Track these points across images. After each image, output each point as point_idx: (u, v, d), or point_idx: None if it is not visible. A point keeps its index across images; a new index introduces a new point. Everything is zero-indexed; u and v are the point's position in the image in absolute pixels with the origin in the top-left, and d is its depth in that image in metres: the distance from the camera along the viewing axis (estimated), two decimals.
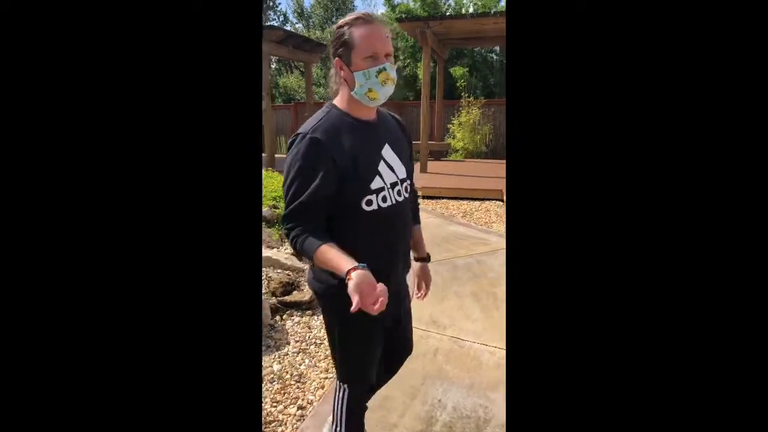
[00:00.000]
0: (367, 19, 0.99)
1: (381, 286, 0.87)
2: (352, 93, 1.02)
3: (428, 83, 6.93)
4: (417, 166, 7.18)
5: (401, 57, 12.02)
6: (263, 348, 2.16)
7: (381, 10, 13.82)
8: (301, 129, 1.03)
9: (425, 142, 7.10)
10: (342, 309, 1.12)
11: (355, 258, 1.00)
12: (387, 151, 1.10)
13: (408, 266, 1.27)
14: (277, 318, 2.44)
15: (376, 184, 1.06)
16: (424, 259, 1.36)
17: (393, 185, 1.10)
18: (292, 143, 1.03)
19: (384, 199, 1.08)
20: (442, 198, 5.70)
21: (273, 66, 16.55)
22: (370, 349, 1.20)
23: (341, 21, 1.02)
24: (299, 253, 1.01)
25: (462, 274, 3.12)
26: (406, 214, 1.18)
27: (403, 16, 9.52)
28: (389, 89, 1.03)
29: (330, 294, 1.12)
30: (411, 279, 1.33)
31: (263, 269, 3.01)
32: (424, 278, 1.36)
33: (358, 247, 1.06)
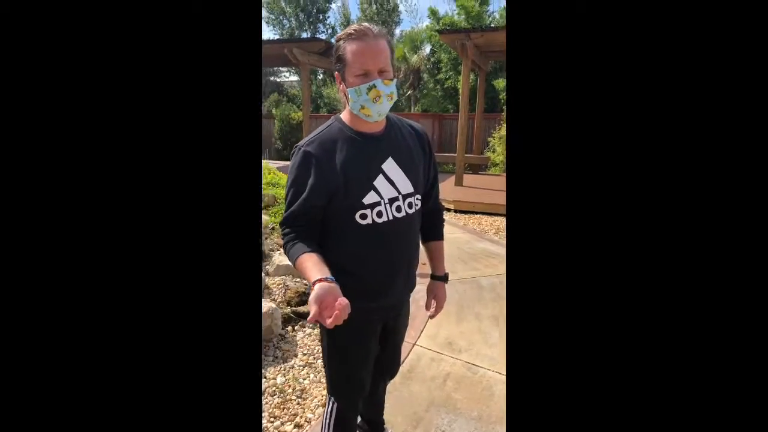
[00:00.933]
0: (359, 35, 0.96)
1: (342, 301, 0.82)
2: (350, 108, 1.02)
3: (467, 96, 6.82)
4: (451, 180, 7.06)
5: (443, 69, 11.97)
6: (270, 359, 2.13)
7: (426, 22, 13.89)
8: (301, 141, 1.05)
9: (462, 155, 6.96)
10: (327, 332, 1.12)
11: (349, 271, 1.02)
12: (389, 165, 1.06)
13: (412, 285, 1.22)
14: (289, 328, 2.41)
15: (369, 199, 1.04)
16: (440, 278, 1.30)
17: (392, 200, 1.06)
18: (292, 154, 1.05)
19: (379, 214, 1.05)
20: (476, 213, 5.54)
21: (319, 77, 17.00)
22: (357, 364, 1.18)
23: (337, 36, 1.01)
24: (289, 257, 1.02)
25: (486, 295, 2.97)
26: (408, 231, 1.12)
27: (445, 28, 9.46)
28: (383, 106, 0.99)
29: None
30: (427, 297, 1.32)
31: (281, 277, 3.02)
32: (436, 297, 1.30)
33: (352, 260, 1.07)
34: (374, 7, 17.83)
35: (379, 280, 1.10)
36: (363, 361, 1.19)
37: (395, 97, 1.02)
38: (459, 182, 6.88)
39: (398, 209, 1.08)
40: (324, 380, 1.97)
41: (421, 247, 1.26)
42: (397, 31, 18.31)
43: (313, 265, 0.93)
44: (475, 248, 4.07)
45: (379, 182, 1.05)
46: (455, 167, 7.15)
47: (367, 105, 0.98)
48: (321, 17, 19.21)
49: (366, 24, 0.99)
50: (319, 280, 0.86)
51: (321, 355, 2.18)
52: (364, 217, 1.04)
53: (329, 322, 0.80)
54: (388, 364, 1.33)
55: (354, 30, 0.97)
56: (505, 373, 2.05)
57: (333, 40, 1.03)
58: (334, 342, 1.16)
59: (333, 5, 19.56)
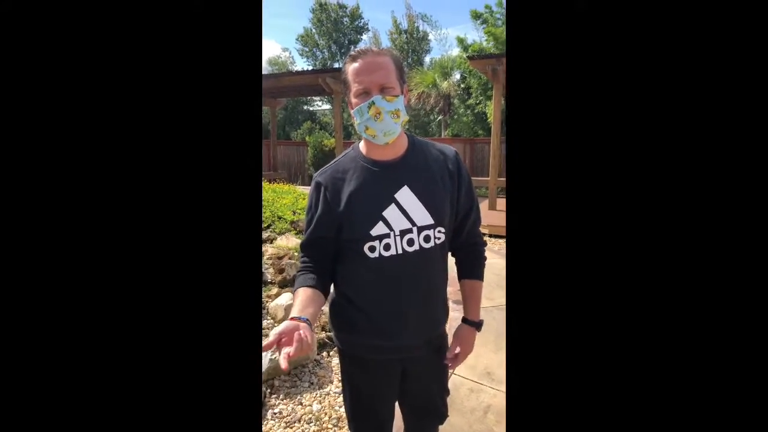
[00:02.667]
0: (356, 55, 0.93)
1: (303, 335, 0.77)
2: (358, 132, 0.98)
3: (499, 120, 6.80)
4: (485, 203, 6.97)
5: (473, 95, 12.04)
6: (306, 384, 2.11)
7: (455, 50, 14.12)
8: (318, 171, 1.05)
9: (494, 179, 6.89)
10: (342, 345, 1.11)
11: (356, 305, 1.02)
12: (403, 194, 0.97)
13: (433, 327, 1.09)
14: (324, 354, 2.39)
15: (378, 230, 0.96)
16: (471, 323, 1.12)
17: (404, 232, 0.97)
18: None
19: (387, 248, 0.97)
20: None
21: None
22: (372, 403, 1.12)
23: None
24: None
25: None
26: (423, 267, 1.01)
27: (475, 54, 9.57)
28: (385, 124, 0.92)
29: (333, 328, 1.12)
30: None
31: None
32: (461, 344, 1.12)
33: (359, 294, 1.03)
34: (404, 36, 18.31)
35: (387, 318, 1.01)
36: (378, 400, 1.11)
37: (402, 115, 0.94)
38: (492, 206, 6.79)
39: (410, 242, 0.97)
40: None
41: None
42: (427, 59, 18.65)
43: (299, 303, 0.92)
44: None
45: (390, 212, 0.96)
46: (488, 191, 7.07)
47: (370, 124, 0.92)
48: (353, 48, 19.88)
49: (366, 46, 0.96)
50: (291, 319, 0.82)
51: None
52: (372, 249, 0.97)
53: (284, 351, 0.74)
54: (422, 407, 1.19)
55: (355, 51, 0.94)
56: None
57: None
58: (346, 378, 1.14)
59: (364, 36, 20.20)
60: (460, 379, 2.17)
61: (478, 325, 1.13)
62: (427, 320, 1.06)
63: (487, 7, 12.50)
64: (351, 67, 0.93)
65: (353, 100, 0.94)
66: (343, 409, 1.93)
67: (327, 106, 19.44)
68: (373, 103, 0.90)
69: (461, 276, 1.14)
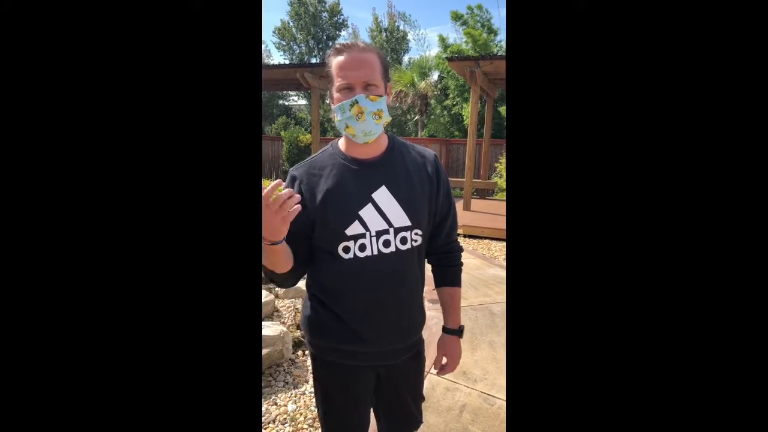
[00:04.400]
0: (342, 48, 0.89)
1: (286, 192, 0.78)
2: (337, 128, 0.94)
3: (476, 122, 6.88)
4: (459, 204, 7.06)
5: (450, 96, 12.15)
6: (281, 384, 2.07)
7: (434, 50, 14.19)
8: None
9: (470, 180, 6.98)
10: (314, 349, 1.05)
11: (328, 307, 0.98)
12: (381, 194, 0.94)
13: (409, 331, 1.05)
14: (299, 353, 2.35)
15: (353, 230, 0.93)
16: (452, 331, 1.11)
17: (380, 233, 0.94)
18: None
19: (362, 248, 0.94)
20: (485, 238, 5.50)
21: (328, 101, 17.28)
22: (345, 410, 1.07)
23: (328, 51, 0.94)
24: (266, 273, 0.94)
25: (498, 322, 2.91)
26: (400, 269, 0.98)
27: (454, 55, 9.66)
28: (366, 124, 0.89)
29: (305, 330, 1.06)
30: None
31: (291, 300, 2.97)
32: (447, 354, 1.11)
33: (330, 296, 0.99)
34: (384, 34, 18.28)
35: (361, 321, 0.97)
36: (351, 407, 1.07)
37: (385, 116, 0.91)
38: (467, 207, 6.87)
39: (386, 244, 0.95)
40: None
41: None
42: (406, 58, 18.69)
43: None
44: (485, 274, 4.01)
45: (367, 212, 0.93)
46: (463, 192, 7.16)
47: (350, 123, 0.89)
48: (331, 44, 19.68)
49: (351, 41, 0.93)
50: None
51: None
52: (347, 250, 0.93)
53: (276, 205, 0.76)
54: (399, 416, 1.15)
55: (340, 44, 0.90)
56: None
57: None
58: (319, 383, 1.07)
59: (343, 32, 20.05)
60: (436, 378, 2.18)
61: (460, 332, 1.12)
62: (404, 325, 1.02)
63: (469, 8, 12.63)
64: (335, 60, 0.89)
65: (335, 95, 0.90)
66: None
67: (303, 102, 19.20)
68: (356, 102, 0.87)
69: (439, 283, 1.12)
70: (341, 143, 0.99)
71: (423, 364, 1.14)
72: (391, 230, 0.95)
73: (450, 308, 1.11)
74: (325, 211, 0.92)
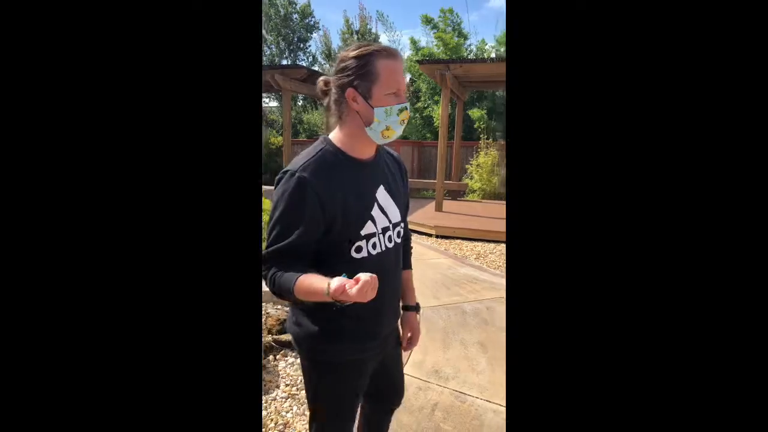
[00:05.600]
0: (393, 53, 0.91)
1: (364, 277, 0.76)
2: (366, 128, 0.93)
3: (446, 124, 6.97)
4: (432, 205, 7.13)
5: (422, 98, 12.27)
6: None
7: (406, 53, 14.30)
8: (291, 165, 0.93)
9: (441, 181, 7.06)
10: (322, 356, 1.05)
11: (341, 310, 0.93)
12: (381, 194, 1.01)
13: (398, 315, 1.18)
14: (270, 357, 2.31)
15: (367, 229, 0.97)
16: (413, 308, 1.24)
17: (384, 230, 1.01)
18: (279, 180, 0.93)
19: (374, 246, 0.99)
20: (457, 238, 5.57)
21: (300, 103, 17.13)
22: (345, 405, 1.10)
23: (362, 49, 0.91)
24: (277, 290, 0.90)
25: (470, 320, 2.95)
26: (396, 261, 1.08)
27: (425, 58, 9.76)
28: (402, 128, 0.97)
29: (309, 339, 1.04)
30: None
31: (263, 305, 2.92)
32: (411, 329, 1.24)
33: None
34: (355, 37, 18.27)
35: (373, 315, 1.02)
36: (352, 401, 1.11)
37: None
38: (439, 208, 6.94)
39: (389, 239, 1.02)
40: (308, 413, 1.88)
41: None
42: None
43: (320, 277, 0.84)
44: (457, 273, 4.06)
45: (375, 211, 0.98)
46: (435, 193, 7.23)
47: (393, 126, 0.93)
48: (302, 46, 19.53)
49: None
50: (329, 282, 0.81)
51: (305, 387, 2.09)
52: (359, 250, 0.96)
53: (365, 296, 0.75)
54: (389, 393, 1.28)
55: (384, 47, 0.91)
56: (494, 401, 2.01)
57: (353, 54, 0.91)
58: (323, 381, 1.07)
59: (314, 34, 19.91)
60: (408, 378, 2.19)
61: (418, 308, 1.25)
62: (396, 312, 1.13)
63: (442, 11, 12.77)
64: (386, 63, 0.89)
65: (381, 97, 0.90)
66: (290, 414, 1.87)
67: (275, 104, 18.94)
68: (406, 108, 0.94)
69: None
70: (339, 142, 0.97)
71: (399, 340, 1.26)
72: (391, 226, 1.03)
73: (408, 289, 1.24)
74: (345, 213, 0.93)
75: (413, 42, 13.33)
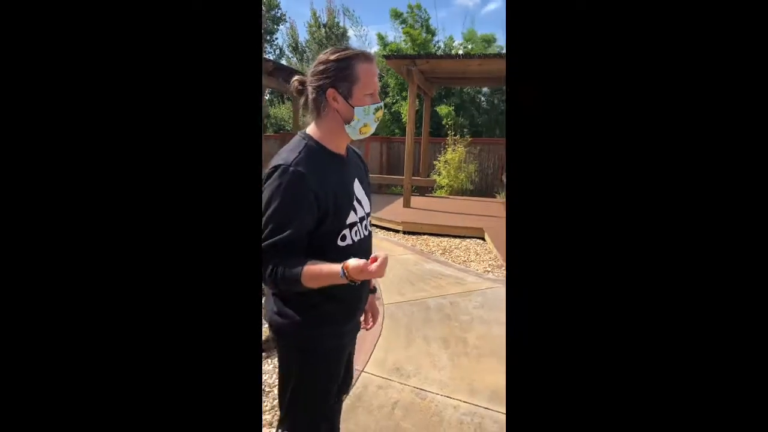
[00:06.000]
0: (370, 57, 1.02)
1: (381, 256, 0.89)
2: (346, 126, 1.02)
3: (413, 120, 6.97)
4: (400, 201, 7.14)
5: (390, 94, 12.24)
6: None
7: (374, 47, 14.24)
8: (281, 160, 0.97)
9: (409, 177, 7.06)
10: (308, 343, 1.09)
11: (333, 296, 1.02)
12: (356, 186, 1.10)
13: (367, 299, 1.25)
14: None
15: (351, 218, 1.06)
16: (372, 291, 1.34)
17: (361, 219, 1.10)
18: (270, 174, 0.97)
19: (356, 234, 1.08)
20: (424, 234, 5.59)
21: (266, 97, 16.75)
22: (324, 393, 1.15)
23: (342, 53, 1.00)
24: (281, 283, 0.94)
25: (433, 316, 2.96)
26: (369, 247, 1.17)
27: (392, 53, 9.73)
28: (376, 125, 1.07)
29: (295, 327, 1.07)
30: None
31: None
32: (372, 309, 1.34)
33: (336, 286, 1.02)
34: (323, 30, 18.02)
35: (354, 297, 1.11)
36: (331, 387, 1.16)
37: None
38: (407, 204, 6.95)
39: (365, 227, 1.12)
40: (264, 416, 1.82)
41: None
42: None
43: (323, 263, 0.93)
44: (423, 269, 4.07)
45: (354, 202, 1.07)
46: (403, 189, 7.24)
47: (370, 123, 1.03)
48: (269, 38, 19.09)
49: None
50: (344, 264, 0.89)
51: (263, 389, 2.03)
52: (344, 238, 1.04)
53: (376, 266, 0.87)
54: (347, 379, 1.30)
55: (362, 52, 1.01)
56: (454, 397, 2.02)
57: (333, 57, 1.00)
58: (307, 369, 1.10)
59: (281, 27, 19.49)
60: (369, 376, 2.16)
61: (375, 291, 1.37)
62: (367, 295, 1.22)
63: (410, 6, 12.75)
64: (366, 66, 1.00)
65: (361, 97, 1.00)
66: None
67: None
68: (381, 107, 1.04)
69: None
70: (319, 137, 1.04)
71: None
72: (365, 215, 1.13)
73: None
74: (336, 204, 1.01)
75: (381, 37, 13.27)
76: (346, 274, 0.89)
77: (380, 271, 0.87)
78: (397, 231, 5.72)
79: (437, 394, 2.04)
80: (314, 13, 17.96)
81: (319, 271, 0.92)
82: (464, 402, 1.98)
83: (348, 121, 1.01)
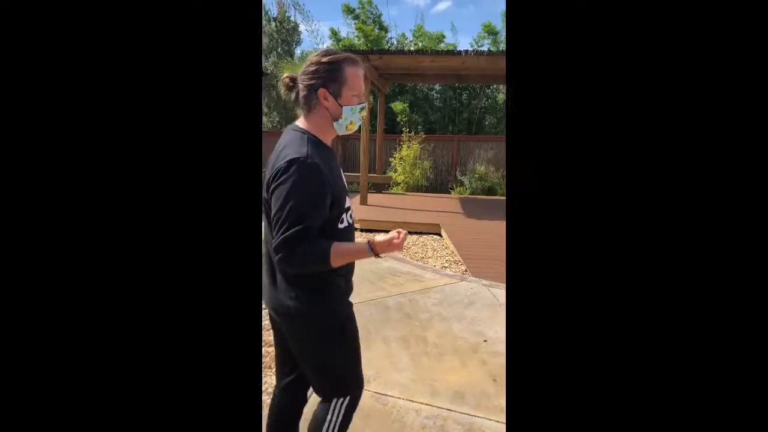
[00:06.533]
0: (357, 61, 1.12)
1: (393, 233, 1.10)
2: (334, 123, 1.13)
3: (368, 117, 6.88)
4: (357, 199, 7.04)
5: None
6: None
7: (327, 42, 13.99)
8: (296, 154, 1.03)
9: (365, 175, 6.97)
10: (332, 318, 1.17)
11: (340, 273, 1.15)
12: (341, 172, 1.20)
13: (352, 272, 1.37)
14: None
15: (347, 203, 1.17)
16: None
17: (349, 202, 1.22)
18: (288, 167, 1.01)
19: (350, 216, 1.19)
20: (381, 231, 5.52)
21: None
22: (357, 354, 1.28)
23: (333, 56, 1.10)
24: (310, 264, 1.04)
25: (393, 315, 2.89)
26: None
27: (345, 49, 9.58)
28: (360, 123, 1.19)
29: (314, 306, 1.14)
30: None
31: None
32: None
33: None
34: (273, 24, 17.51)
35: (351, 271, 1.24)
36: (359, 349, 1.29)
37: None
38: (364, 201, 6.86)
39: (351, 210, 1.23)
40: None
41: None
42: (298, 51, 18.11)
43: (349, 244, 1.10)
44: (380, 267, 4.00)
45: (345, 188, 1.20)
46: (359, 187, 7.14)
47: (356, 121, 1.15)
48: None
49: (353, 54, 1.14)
50: (370, 241, 1.07)
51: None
52: (342, 221, 1.14)
53: (401, 240, 1.08)
54: None
55: (351, 56, 1.11)
56: (416, 400, 1.95)
57: (325, 60, 1.10)
58: (337, 339, 1.20)
59: None
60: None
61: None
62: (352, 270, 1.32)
63: (361, 2, 12.60)
64: (355, 69, 1.11)
65: (349, 98, 1.11)
66: None
67: None
68: (365, 106, 1.16)
69: None
70: (315, 131, 1.13)
71: None
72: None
73: None
74: (340, 190, 1.12)
75: (334, 32, 13.06)
76: (373, 249, 1.07)
77: (402, 245, 1.08)
78: (355, 229, 5.62)
79: (398, 398, 1.97)
80: (263, 7, 17.41)
81: (347, 249, 1.07)
82: (426, 405, 1.92)
83: (336, 119, 1.12)
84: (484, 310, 3.00)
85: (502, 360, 2.31)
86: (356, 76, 1.11)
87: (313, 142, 1.10)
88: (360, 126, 1.18)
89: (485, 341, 2.55)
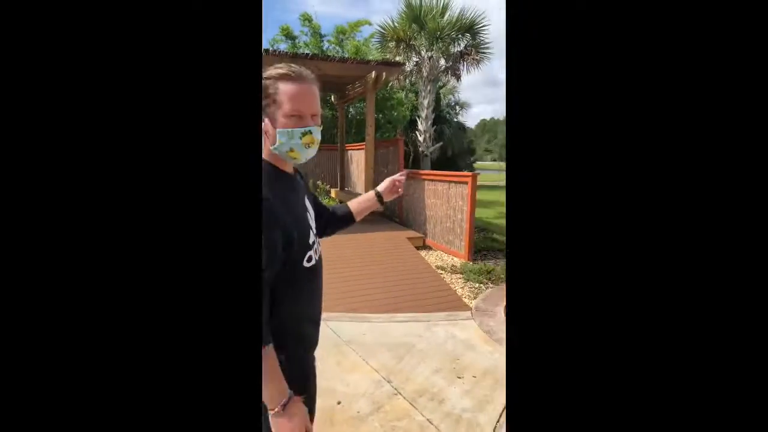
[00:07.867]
0: (294, 77, 0.91)
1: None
2: (271, 148, 0.94)
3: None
4: None
5: None
6: None
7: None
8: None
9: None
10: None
11: (307, 317, 1.02)
12: (307, 204, 1.05)
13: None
14: None
15: (311, 238, 1.00)
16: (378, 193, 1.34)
17: (315, 237, 1.04)
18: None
19: (316, 251, 1.02)
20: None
21: None
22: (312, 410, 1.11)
23: (268, 72, 0.92)
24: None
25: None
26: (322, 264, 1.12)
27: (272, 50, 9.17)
28: (312, 151, 0.96)
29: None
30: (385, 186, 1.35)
31: None
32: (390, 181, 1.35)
33: (308, 305, 1.01)
34: None
35: (316, 315, 1.07)
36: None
37: (319, 142, 0.99)
38: None
39: (319, 244, 1.06)
40: None
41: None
42: None
43: (280, 370, 0.87)
44: None
45: (310, 219, 1.02)
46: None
47: (297, 149, 0.93)
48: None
49: (295, 66, 0.93)
50: (293, 397, 0.87)
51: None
52: (309, 259, 0.98)
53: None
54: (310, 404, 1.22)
55: (289, 71, 0.91)
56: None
57: (263, 76, 0.92)
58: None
59: None
60: None
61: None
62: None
63: (301, 15, 12.07)
64: (286, 87, 0.90)
65: (281, 120, 0.91)
66: None
67: None
68: (310, 131, 0.92)
69: (347, 209, 1.33)
70: (268, 157, 0.97)
71: None
72: (315, 231, 1.05)
73: (362, 203, 1.32)
74: (300, 224, 0.95)
75: (283, 30, 12.32)
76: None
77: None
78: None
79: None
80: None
81: (272, 368, 0.86)
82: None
83: (273, 144, 0.93)
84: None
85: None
86: (293, 95, 0.90)
87: (268, 169, 0.94)
88: (304, 154, 0.95)
89: (339, 403, 2.17)
